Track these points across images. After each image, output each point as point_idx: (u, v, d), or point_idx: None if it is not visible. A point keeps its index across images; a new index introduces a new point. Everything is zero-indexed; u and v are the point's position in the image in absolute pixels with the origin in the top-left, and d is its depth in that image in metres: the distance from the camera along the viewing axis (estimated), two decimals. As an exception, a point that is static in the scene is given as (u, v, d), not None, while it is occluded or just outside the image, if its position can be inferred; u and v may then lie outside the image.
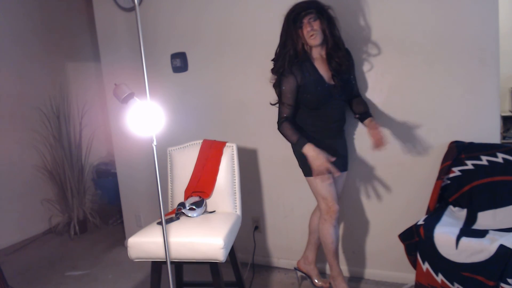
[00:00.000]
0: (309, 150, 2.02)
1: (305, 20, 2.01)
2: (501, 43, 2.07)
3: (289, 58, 2.06)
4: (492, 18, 2.03)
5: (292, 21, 2.02)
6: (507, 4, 3.64)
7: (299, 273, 2.47)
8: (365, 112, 2.20)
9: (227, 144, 2.32)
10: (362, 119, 2.20)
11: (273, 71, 2.17)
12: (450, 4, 2.09)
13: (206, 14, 2.69)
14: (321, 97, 2.08)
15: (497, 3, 2.02)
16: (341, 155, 2.22)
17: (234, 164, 2.29)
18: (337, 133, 2.20)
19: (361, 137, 2.39)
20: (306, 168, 2.18)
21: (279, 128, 2.14)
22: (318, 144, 2.10)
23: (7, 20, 3.63)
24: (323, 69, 2.10)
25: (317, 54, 2.11)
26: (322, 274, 2.55)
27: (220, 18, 2.66)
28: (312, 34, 2.01)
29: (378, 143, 2.09)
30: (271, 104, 2.22)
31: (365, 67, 2.32)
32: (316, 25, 2.01)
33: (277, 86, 2.14)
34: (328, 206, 2.15)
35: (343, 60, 2.07)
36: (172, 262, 1.84)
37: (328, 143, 2.14)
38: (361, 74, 2.33)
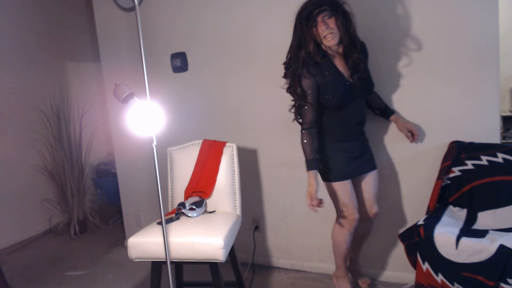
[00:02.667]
0: (310, 179, 1.92)
1: (319, 18, 1.84)
2: (501, 43, 2.06)
3: (303, 61, 1.91)
4: (492, 18, 2.03)
5: (305, 20, 1.86)
6: (507, 4, 3.63)
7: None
8: (385, 107, 2.20)
9: (227, 144, 2.32)
10: (386, 115, 2.19)
11: (286, 75, 2.00)
12: (450, 4, 2.09)
13: (206, 14, 2.69)
14: (343, 97, 1.94)
15: (497, 3, 2.02)
16: (361, 156, 2.09)
17: (234, 164, 2.29)
18: (360, 133, 2.10)
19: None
20: (326, 173, 2.07)
21: (301, 134, 1.97)
22: (337, 147, 2.03)
23: (7, 20, 3.63)
24: (342, 67, 1.97)
25: (334, 52, 1.97)
26: (326, 275, 2.55)
27: (220, 18, 2.66)
28: (327, 33, 1.85)
29: (415, 136, 2.16)
30: (290, 111, 2.09)
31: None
32: (332, 23, 1.85)
33: (294, 89, 1.97)
34: (349, 214, 2.06)
35: (361, 60, 1.94)
36: (172, 262, 1.84)
37: (348, 145, 2.05)
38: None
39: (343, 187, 2.04)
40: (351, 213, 2.06)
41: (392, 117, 2.21)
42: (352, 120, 2.03)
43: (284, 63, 2.02)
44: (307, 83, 1.93)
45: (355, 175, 2.09)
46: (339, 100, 1.94)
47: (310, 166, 1.94)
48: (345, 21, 1.89)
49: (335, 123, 2.02)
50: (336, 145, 2.04)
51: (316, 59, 1.91)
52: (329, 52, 1.97)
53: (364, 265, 2.52)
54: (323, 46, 1.95)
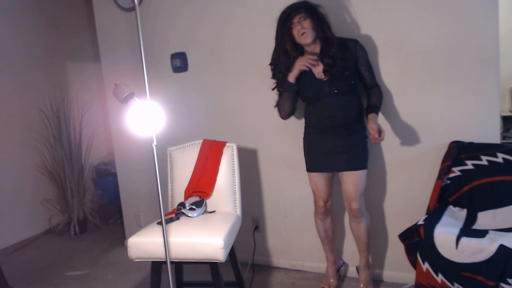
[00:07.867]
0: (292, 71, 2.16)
1: (295, 20, 2.06)
2: (501, 43, 2.07)
3: (283, 60, 2.16)
4: (492, 18, 2.03)
5: (283, 23, 2.09)
6: (507, 4, 3.64)
7: None
8: (372, 105, 2.12)
9: (227, 144, 2.32)
10: (367, 113, 2.12)
11: (274, 76, 2.25)
12: (450, 5, 2.09)
13: (206, 14, 2.69)
14: (311, 92, 2.15)
15: (497, 3, 2.02)
16: (340, 153, 2.15)
17: (234, 164, 2.29)
18: (334, 128, 2.14)
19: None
20: (307, 164, 2.28)
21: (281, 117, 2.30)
22: (311, 138, 2.23)
23: (8, 20, 3.63)
24: (315, 66, 2.14)
25: (311, 52, 2.15)
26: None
27: (220, 18, 2.66)
28: (302, 32, 2.05)
29: (373, 138, 1.99)
30: (275, 107, 2.31)
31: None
32: (306, 23, 2.05)
33: (279, 87, 2.24)
34: (315, 200, 2.32)
35: (337, 56, 2.07)
36: (172, 262, 1.84)
37: (324, 139, 2.17)
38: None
39: (310, 177, 2.29)
40: (316, 200, 2.32)
41: (369, 115, 2.09)
42: (321, 113, 2.15)
43: (270, 63, 2.25)
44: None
45: (324, 170, 2.23)
46: (306, 95, 2.18)
47: (287, 84, 2.19)
48: (320, 23, 2.08)
49: (311, 115, 2.22)
50: (311, 138, 2.24)
51: (293, 55, 2.14)
52: (307, 50, 2.15)
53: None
54: (300, 46, 2.14)
